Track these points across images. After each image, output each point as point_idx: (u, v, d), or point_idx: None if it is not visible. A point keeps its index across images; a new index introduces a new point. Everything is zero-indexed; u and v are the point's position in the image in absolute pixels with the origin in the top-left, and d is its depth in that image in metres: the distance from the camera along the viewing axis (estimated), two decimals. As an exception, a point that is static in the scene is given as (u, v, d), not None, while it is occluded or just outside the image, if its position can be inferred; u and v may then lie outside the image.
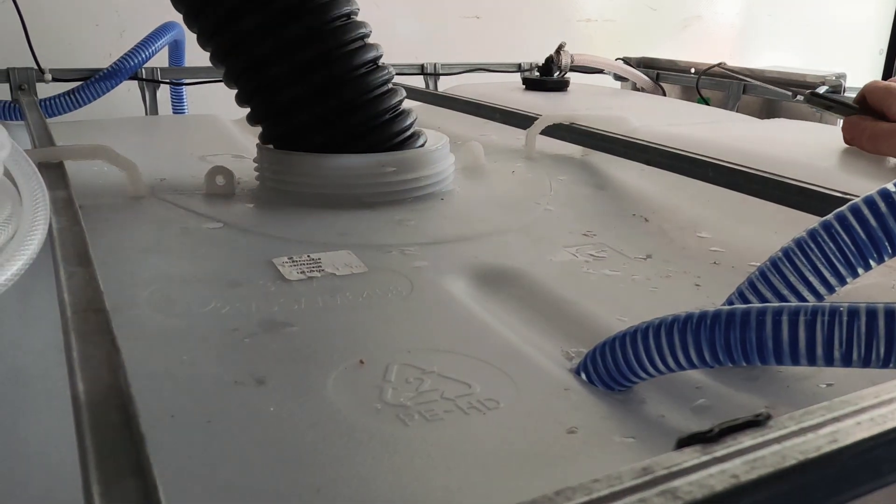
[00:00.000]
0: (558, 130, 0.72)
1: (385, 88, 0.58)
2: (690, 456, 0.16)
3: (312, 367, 0.33)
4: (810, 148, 0.71)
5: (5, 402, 0.30)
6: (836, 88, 1.05)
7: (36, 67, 0.96)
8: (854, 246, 0.31)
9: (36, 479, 0.26)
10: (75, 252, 0.35)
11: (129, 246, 0.47)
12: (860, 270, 0.32)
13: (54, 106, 0.97)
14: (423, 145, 0.60)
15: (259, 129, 0.61)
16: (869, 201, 0.31)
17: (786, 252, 0.33)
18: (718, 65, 1.18)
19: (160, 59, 1.06)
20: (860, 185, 0.47)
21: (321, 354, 0.34)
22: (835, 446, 0.17)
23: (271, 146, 0.59)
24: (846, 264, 0.31)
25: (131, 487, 0.18)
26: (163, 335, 0.36)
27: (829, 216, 0.32)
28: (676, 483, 0.15)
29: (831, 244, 0.31)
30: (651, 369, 0.29)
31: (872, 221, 0.31)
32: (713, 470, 0.16)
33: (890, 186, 0.31)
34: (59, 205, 0.42)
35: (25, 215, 0.34)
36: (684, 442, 0.17)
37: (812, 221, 0.33)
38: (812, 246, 0.32)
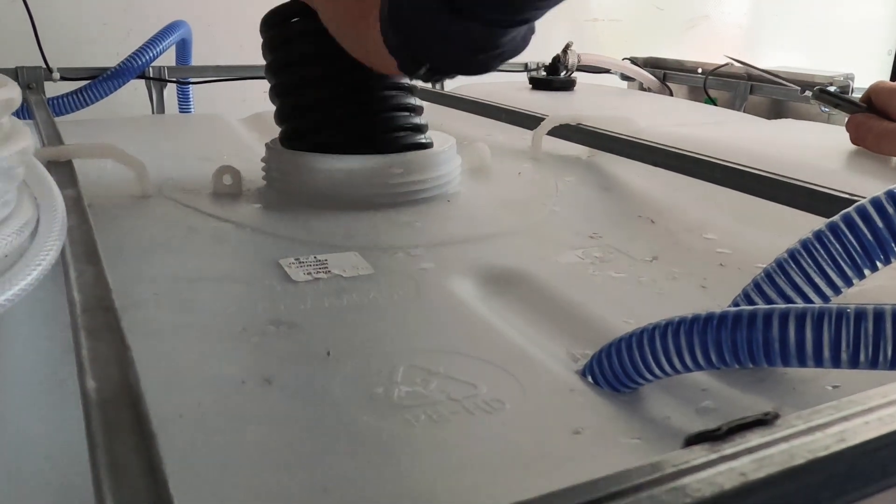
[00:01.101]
0: (564, 131, 0.72)
1: (404, 94, 0.59)
2: (699, 454, 0.16)
3: (319, 367, 0.33)
4: (818, 149, 0.71)
5: (13, 401, 0.30)
6: (844, 89, 1.05)
7: (44, 66, 0.97)
8: (860, 247, 0.31)
9: (45, 479, 0.26)
10: (84, 250, 0.35)
11: (136, 244, 0.47)
12: (866, 272, 0.32)
13: (62, 105, 0.97)
14: (430, 147, 0.61)
15: (265, 130, 0.61)
16: (875, 203, 0.31)
17: (791, 254, 0.33)
18: (726, 64, 1.18)
19: (167, 59, 1.06)
20: (868, 186, 0.47)
21: (328, 355, 0.34)
22: (843, 445, 0.17)
23: (284, 147, 0.60)
24: (852, 266, 0.31)
25: (142, 486, 0.18)
26: (170, 334, 0.36)
27: (835, 217, 0.32)
28: (685, 481, 0.15)
29: (837, 246, 0.31)
30: (657, 371, 0.29)
31: (879, 223, 0.31)
32: (721, 468, 0.16)
33: (897, 188, 0.31)
34: (68, 203, 0.42)
35: (42, 225, 0.35)
36: (692, 440, 0.17)
37: (819, 223, 0.33)
38: (818, 247, 0.32)
